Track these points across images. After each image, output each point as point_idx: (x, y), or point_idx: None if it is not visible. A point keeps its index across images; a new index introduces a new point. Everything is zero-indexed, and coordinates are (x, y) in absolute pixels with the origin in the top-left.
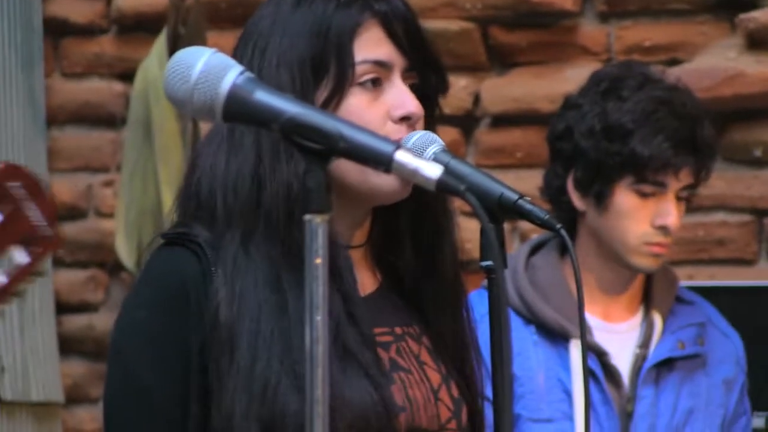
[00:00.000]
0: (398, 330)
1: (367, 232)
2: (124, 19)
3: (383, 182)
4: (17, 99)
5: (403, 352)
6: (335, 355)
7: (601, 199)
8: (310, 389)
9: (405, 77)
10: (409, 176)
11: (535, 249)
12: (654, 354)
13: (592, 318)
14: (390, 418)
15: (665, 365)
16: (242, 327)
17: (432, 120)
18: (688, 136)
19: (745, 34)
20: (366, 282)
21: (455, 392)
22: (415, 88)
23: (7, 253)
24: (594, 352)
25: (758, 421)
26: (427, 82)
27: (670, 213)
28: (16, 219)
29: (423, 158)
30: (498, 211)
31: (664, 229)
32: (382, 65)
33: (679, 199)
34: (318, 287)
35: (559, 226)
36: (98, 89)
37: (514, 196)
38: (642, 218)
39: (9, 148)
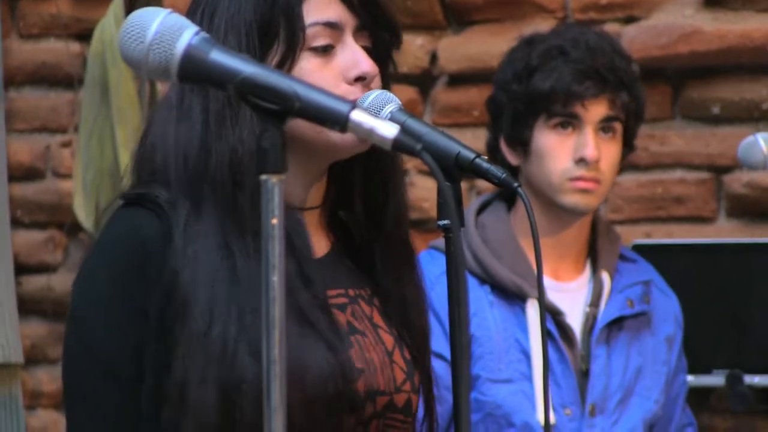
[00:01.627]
0: (351, 292)
1: (322, 193)
2: None
3: (340, 139)
4: None
5: (357, 315)
6: (291, 320)
7: (524, 144)
8: (267, 350)
9: (357, 37)
10: (365, 135)
11: (482, 207)
12: (605, 313)
13: (544, 278)
14: (349, 381)
15: (615, 324)
16: (198, 293)
17: (387, 78)
18: (590, 65)
19: None
20: (320, 244)
21: (407, 354)
22: (368, 49)
23: None
24: (549, 312)
25: (717, 379)
26: (380, 40)
27: (587, 144)
28: None
29: (379, 117)
30: (455, 170)
31: (584, 162)
32: (332, 26)
33: (604, 131)
34: (274, 247)
35: (516, 184)
36: (55, 50)
37: (471, 155)
38: (562, 155)
39: None
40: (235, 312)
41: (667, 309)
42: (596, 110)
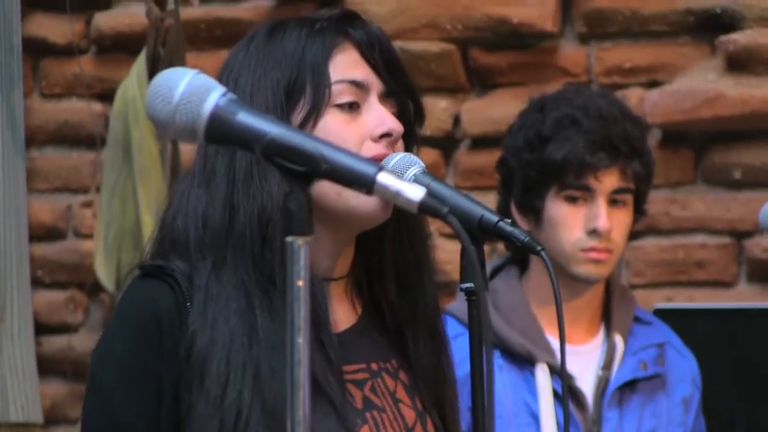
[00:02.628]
0: (374, 366)
1: (349, 263)
2: (103, 39)
3: (361, 204)
4: None
5: (378, 390)
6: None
7: (536, 213)
8: (292, 411)
9: (383, 102)
10: (391, 198)
11: (494, 272)
12: (618, 376)
13: (554, 340)
14: None
15: (628, 386)
16: (214, 355)
17: (411, 147)
18: (603, 135)
19: (725, 56)
20: (345, 316)
21: (431, 429)
22: (394, 115)
23: None
24: (560, 376)
25: None
26: (405, 108)
27: (599, 216)
28: None
29: (404, 180)
30: (478, 233)
31: (596, 233)
32: (358, 85)
33: (614, 203)
34: (300, 309)
35: (539, 248)
36: (77, 109)
37: (495, 218)
38: (574, 225)
39: None
40: (251, 374)
41: (684, 370)
42: (608, 181)
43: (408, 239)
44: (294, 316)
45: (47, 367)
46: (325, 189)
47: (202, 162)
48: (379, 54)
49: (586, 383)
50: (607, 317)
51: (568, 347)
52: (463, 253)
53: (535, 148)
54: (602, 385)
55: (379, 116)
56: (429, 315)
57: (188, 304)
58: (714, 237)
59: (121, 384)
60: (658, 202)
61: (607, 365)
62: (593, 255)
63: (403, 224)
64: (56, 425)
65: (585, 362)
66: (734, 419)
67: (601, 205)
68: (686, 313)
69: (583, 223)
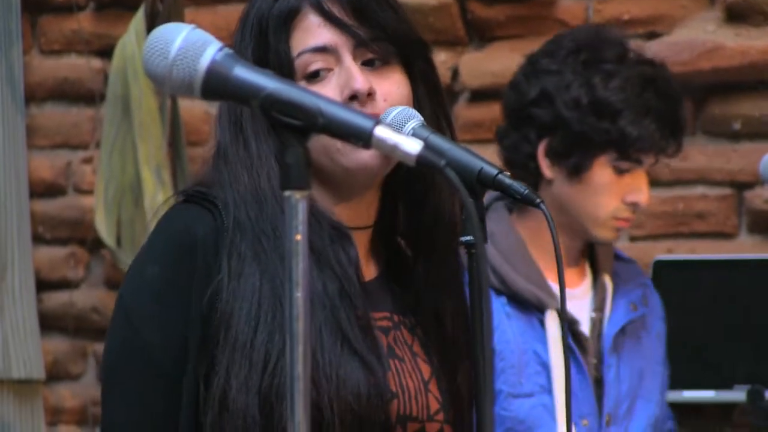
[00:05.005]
0: (396, 318)
1: (373, 215)
2: None
3: (351, 162)
4: None
5: (398, 341)
6: (330, 337)
7: (577, 170)
8: (291, 366)
9: (357, 54)
10: (389, 151)
11: None
12: (613, 320)
13: (553, 285)
14: (383, 402)
15: (620, 329)
16: (241, 304)
17: (418, 85)
18: (673, 118)
19: (723, 8)
20: (369, 268)
21: (444, 385)
22: (380, 63)
23: None
24: (568, 323)
25: (739, 395)
26: (398, 50)
27: (643, 191)
28: None
29: (402, 133)
30: (477, 186)
31: (635, 206)
32: (322, 50)
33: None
34: (298, 263)
35: (539, 200)
36: (77, 66)
37: (494, 171)
38: (615, 194)
39: None
40: (279, 324)
41: (657, 305)
42: (658, 156)
43: (425, 196)
44: (292, 270)
45: (49, 323)
46: (316, 151)
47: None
48: (343, 6)
49: (584, 326)
50: (591, 258)
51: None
52: (463, 206)
53: (605, 116)
54: (597, 327)
55: (345, 76)
56: (447, 272)
57: (226, 227)
58: (714, 188)
59: (152, 308)
60: (682, 149)
61: (599, 307)
62: (622, 224)
63: (420, 180)
64: (58, 381)
65: (579, 305)
66: (735, 370)
67: (643, 178)
68: (687, 265)
69: (623, 193)
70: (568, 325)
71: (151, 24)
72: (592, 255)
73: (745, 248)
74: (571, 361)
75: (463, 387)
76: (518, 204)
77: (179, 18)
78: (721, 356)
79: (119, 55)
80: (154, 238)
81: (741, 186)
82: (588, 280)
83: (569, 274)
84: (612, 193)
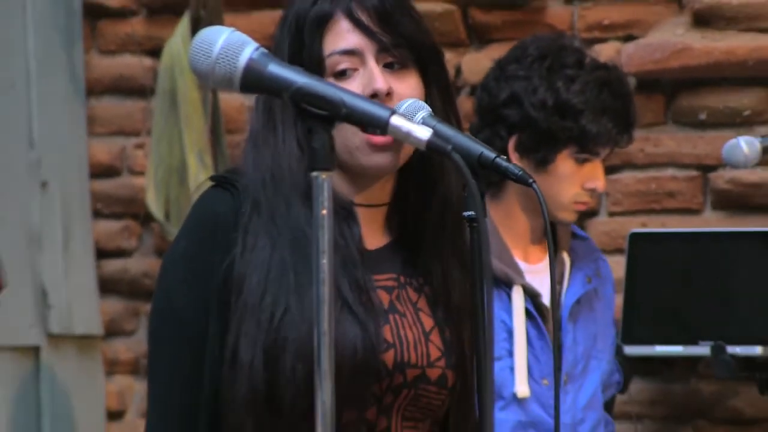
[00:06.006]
0: (402, 278)
1: (387, 195)
2: (152, 3)
3: (367, 161)
4: (60, 74)
5: (402, 298)
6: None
7: (543, 163)
8: (318, 323)
9: (380, 58)
10: (402, 138)
11: None
12: (571, 292)
13: (519, 262)
14: (376, 353)
15: (577, 301)
16: (256, 268)
17: (431, 83)
18: (626, 115)
19: (691, 13)
20: (377, 238)
21: (447, 336)
22: (399, 67)
23: None
24: (529, 295)
25: (704, 350)
26: (415, 56)
27: (600, 178)
28: None
29: (413, 122)
30: (478, 168)
31: (593, 191)
32: (350, 53)
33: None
34: (324, 235)
35: (531, 180)
36: (130, 64)
37: (492, 155)
38: (576, 181)
39: (53, 117)
40: (285, 287)
41: (608, 275)
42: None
43: (435, 182)
44: (319, 240)
45: (106, 287)
46: (340, 148)
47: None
48: (371, 15)
49: (546, 297)
50: (552, 237)
51: (528, 266)
52: (466, 185)
53: (567, 116)
54: (557, 298)
55: (367, 78)
56: (446, 224)
57: (242, 209)
58: (683, 170)
59: (180, 271)
60: (633, 140)
61: (559, 280)
62: (582, 207)
63: (430, 168)
64: (114, 337)
65: (541, 279)
66: (700, 328)
67: (599, 167)
68: (659, 237)
69: (583, 181)
70: (532, 297)
71: (195, 28)
72: (554, 236)
73: (710, 223)
74: (532, 328)
75: (466, 343)
76: (490, 189)
77: (219, 22)
78: (688, 316)
79: (167, 54)
80: (187, 218)
81: (706, 168)
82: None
83: (533, 251)
84: (573, 181)
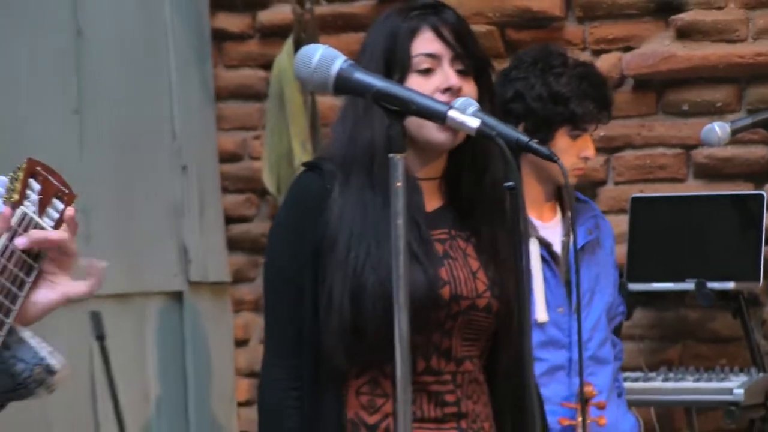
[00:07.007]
0: (453, 232)
1: (440, 170)
2: (264, 28)
3: (432, 136)
4: (195, 83)
5: (453, 247)
6: None
7: (545, 141)
8: (396, 268)
9: (452, 64)
10: (458, 127)
11: None
12: (577, 241)
13: (534, 220)
14: (435, 289)
15: (581, 248)
16: (341, 232)
17: (484, 90)
18: (604, 98)
19: (675, 29)
20: (434, 203)
21: (491, 274)
22: (462, 72)
23: (51, 203)
24: (544, 244)
25: (689, 285)
26: (470, 66)
27: (590, 148)
28: (48, 185)
29: (466, 114)
30: (516, 149)
31: (586, 159)
32: (432, 56)
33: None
34: (398, 201)
35: (556, 158)
36: (248, 75)
37: (526, 138)
38: (572, 153)
39: (191, 116)
40: (365, 245)
41: (608, 229)
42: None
43: (486, 166)
44: (395, 205)
45: (233, 245)
46: (411, 126)
47: (343, 108)
48: (450, 31)
49: (557, 246)
50: (560, 199)
51: (542, 224)
52: (506, 162)
53: (559, 103)
54: (566, 247)
55: (444, 76)
56: (492, 198)
57: (329, 187)
58: (671, 149)
59: (281, 238)
60: (633, 126)
61: (567, 233)
62: (580, 172)
63: (479, 150)
64: (239, 283)
65: (554, 233)
66: (687, 269)
67: (589, 139)
68: (654, 200)
69: (578, 152)
70: (545, 246)
71: (297, 46)
72: (560, 198)
73: (691, 188)
74: (548, 269)
75: (508, 282)
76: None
77: (316, 41)
78: (677, 259)
79: (276, 67)
80: (286, 195)
81: (689, 147)
82: (558, 215)
83: (546, 211)
84: (570, 153)
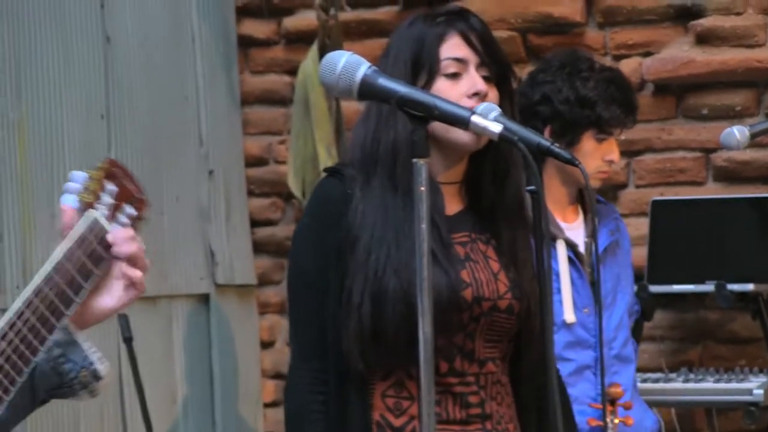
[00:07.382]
0: (473, 235)
1: (461, 174)
2: (289, 35)
3: (458, 138)
4: (222, 89)
5: (474, 250)
6: None
7: (571, 144)
8: (419, 271)
9: (478, 69)
10: (480, 131)
11: None
12: (600, 242)
13: (560, 222)
14: (457, 291)
15: (603, 249)
16: (362, 234)
17: (506, 95)
18: (630, 103)
19: (694, 35)
20: (455, 206)
21: (511, 275)
22: (487, 78)
23: (123, 209)
24: (570, 246)
25: (709, 287)
26: (494, 72)
27: (615, 152)
28: (123, 190)
29: (488, 119)
30: (537, 153)
31: (611, 162)
32: (459, 61)
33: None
34: (422, 205)
35: (578, 162)
36: (274, 81)
37: (547, 143)
38: (597, 156)
39: (217, 121)
40: (386, 248)
41: (625, 231)
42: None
43: (508, 172)
44: (419, 209)
45: (259, 248)
46: (438, 127)
47: (365, 112)
48: (476, 38)
49: (582, 248)
50: (582, 202)
51: (566, 225)
52: (528, 166)
53: (586, 106)
54: (589, 248)
55: (472, 80)
56: (513, 204)
57: (350, 192)
58: (690, 152)
59: (304, 243)
60: (653, 130)
61: (590, 235)
62: (603, 176)
63: (501, 156)
64: (265, 285)
65: (577, 234)
66: (708, 272)
67: (615, 145)
68: (674, 203)
69: (603, 155)
70: (571, 247)
71: (322, 52)
72: (581, 200)
73: (711, 191)
74: (574, 270)
75: (526, 280)
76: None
77: (340, 48)
78: (697, 261)
79: (301, 73)
80: (309, 200)
81: (708, 151)
82: (581, 217)
83: (569, 213)
84: (595, 156)
